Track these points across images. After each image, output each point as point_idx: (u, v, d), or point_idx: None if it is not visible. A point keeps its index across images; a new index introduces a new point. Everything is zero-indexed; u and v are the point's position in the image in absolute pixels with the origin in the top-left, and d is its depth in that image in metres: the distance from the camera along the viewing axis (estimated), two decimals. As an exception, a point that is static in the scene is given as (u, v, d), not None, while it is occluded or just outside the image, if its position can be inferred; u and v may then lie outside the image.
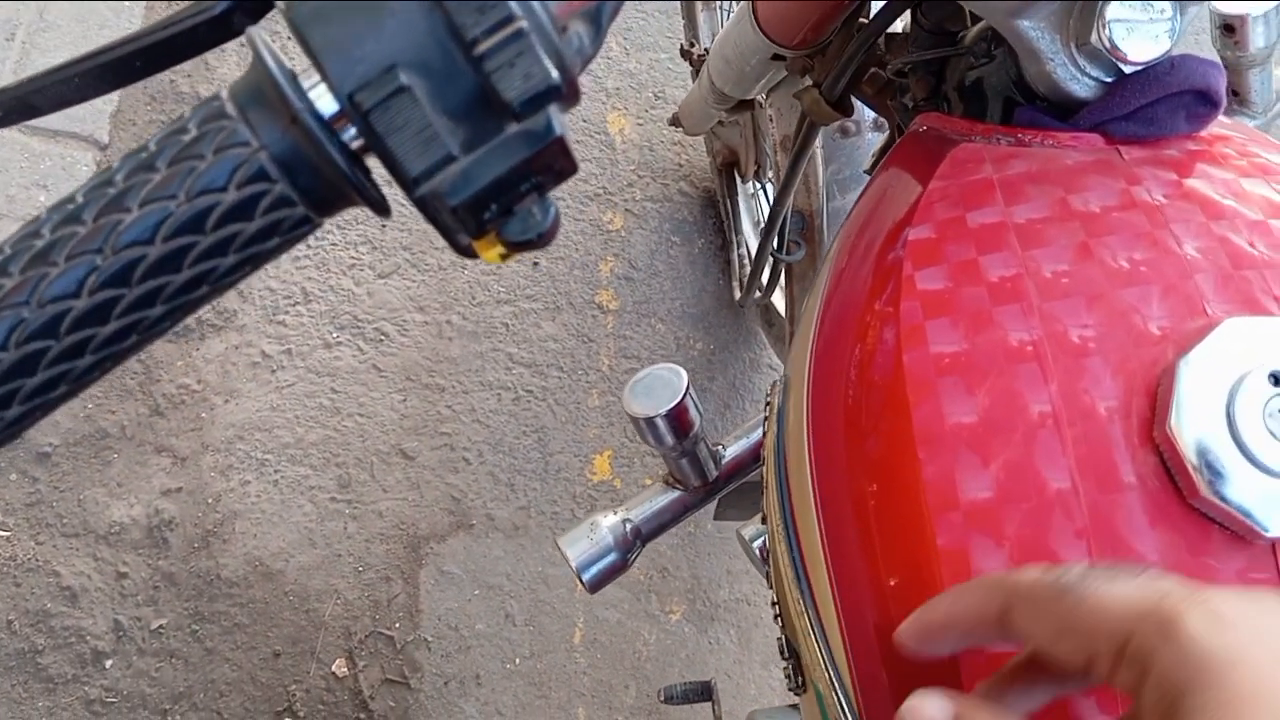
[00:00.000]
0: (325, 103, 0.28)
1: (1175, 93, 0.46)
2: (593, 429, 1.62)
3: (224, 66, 1.74)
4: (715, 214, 1.77)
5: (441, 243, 1.67)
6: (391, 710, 1.43)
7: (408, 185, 0.28)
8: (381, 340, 1.61)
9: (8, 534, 1.43)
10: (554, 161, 0.30)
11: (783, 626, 0.55)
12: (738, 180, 1.63)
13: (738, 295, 1.64)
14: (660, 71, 1.88)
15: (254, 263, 0.30)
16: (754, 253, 1.61)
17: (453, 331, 1.64)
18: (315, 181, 0.29)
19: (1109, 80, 0.48)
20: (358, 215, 1.67)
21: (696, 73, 1.32)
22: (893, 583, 0.42)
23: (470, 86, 0.28)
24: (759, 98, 1.06)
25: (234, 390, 1.55)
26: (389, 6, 0.27)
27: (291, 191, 0.29)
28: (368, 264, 1.66)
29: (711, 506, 0.85)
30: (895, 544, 0.42)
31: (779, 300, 1.47)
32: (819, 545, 0.47)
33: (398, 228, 1.68)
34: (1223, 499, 0.36)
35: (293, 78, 0.29)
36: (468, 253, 0.31)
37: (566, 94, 0.28)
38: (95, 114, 1.65)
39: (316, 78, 0.28)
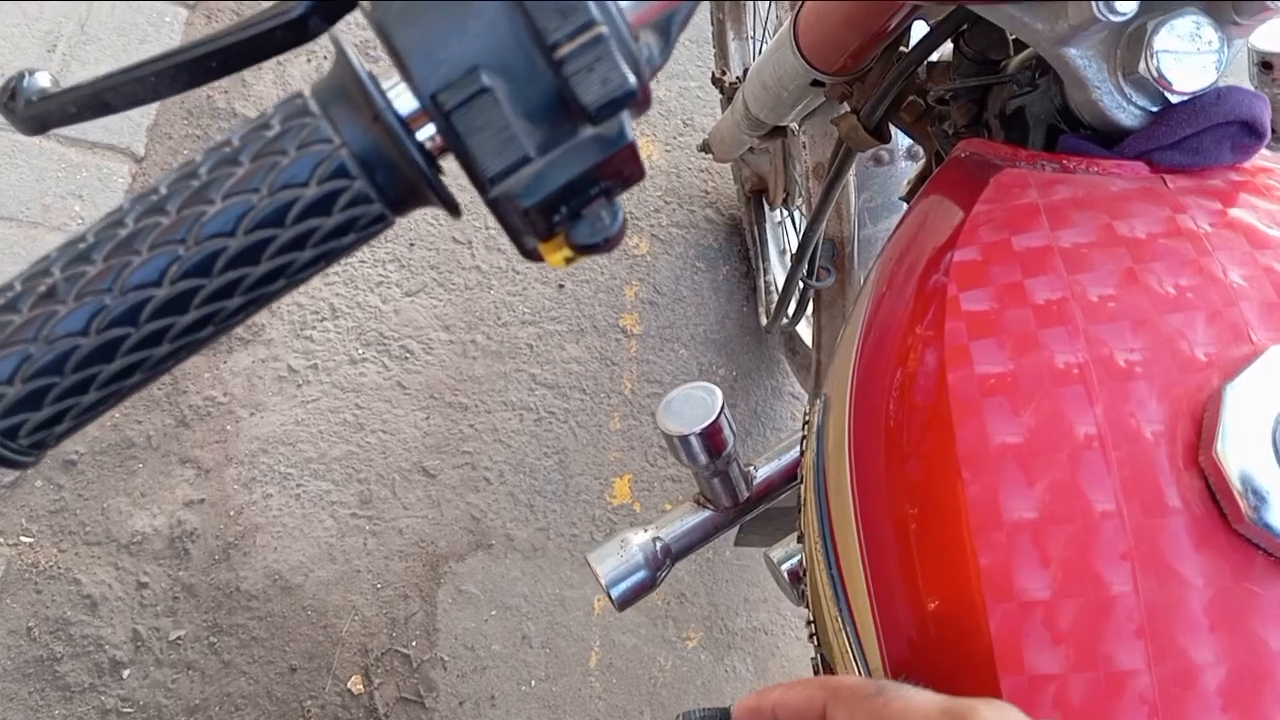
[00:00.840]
0: (405, 102, 0.29)
1: (1221, 123, 0.47)
2: (614, 452, 1.62)
3: (260, 84, 1.76)
4: (740, 241, 1.78)
5: (469, 263, 1.68)
6: (406, 728, 1.43)
7: (483, 185, 0.29)
8: (406, 358, 1.62)
9: (31, 540, 1.44)
10: (624, 167, 0.30)
11: (818, 645, 0.55)
12: (765, 207, 1.64)
13: (764, 322, 1.65)
14: (689, 99, 1.89)
15: (329, 258, 0.31)
16: (781, 280, 1.62)
17: (477, 351, 1.65)
18: (393, 179, 0.30)
19: (1155, 109, 0.48)
20: (387, 234, 1.68)
21: (727, 100, 1.33)
22: (934, 602, 0.42)
23: (548, 89, 0.29)
24: (792, 125, 1.07)
25: (259, 404, 1.56)
26: (472, 8, 0.28)
27: (370, 188, 0.30)
28: (395, 282, 1.67)
29: (730, 534, 0.85)
30: (937, 562, 0.42)
31: (804, 329, 1.48)
32: (859, 564, 0.47)
33: (425, 247, 1.70)
34: (1266, 525, 0.36)
35: (374, 78, 0.29)
36: (533, 255, 0.32)
37: (640, 100, 0.29)
38: (132, 127, 1.67)
39: (396, 78, 0.29)
